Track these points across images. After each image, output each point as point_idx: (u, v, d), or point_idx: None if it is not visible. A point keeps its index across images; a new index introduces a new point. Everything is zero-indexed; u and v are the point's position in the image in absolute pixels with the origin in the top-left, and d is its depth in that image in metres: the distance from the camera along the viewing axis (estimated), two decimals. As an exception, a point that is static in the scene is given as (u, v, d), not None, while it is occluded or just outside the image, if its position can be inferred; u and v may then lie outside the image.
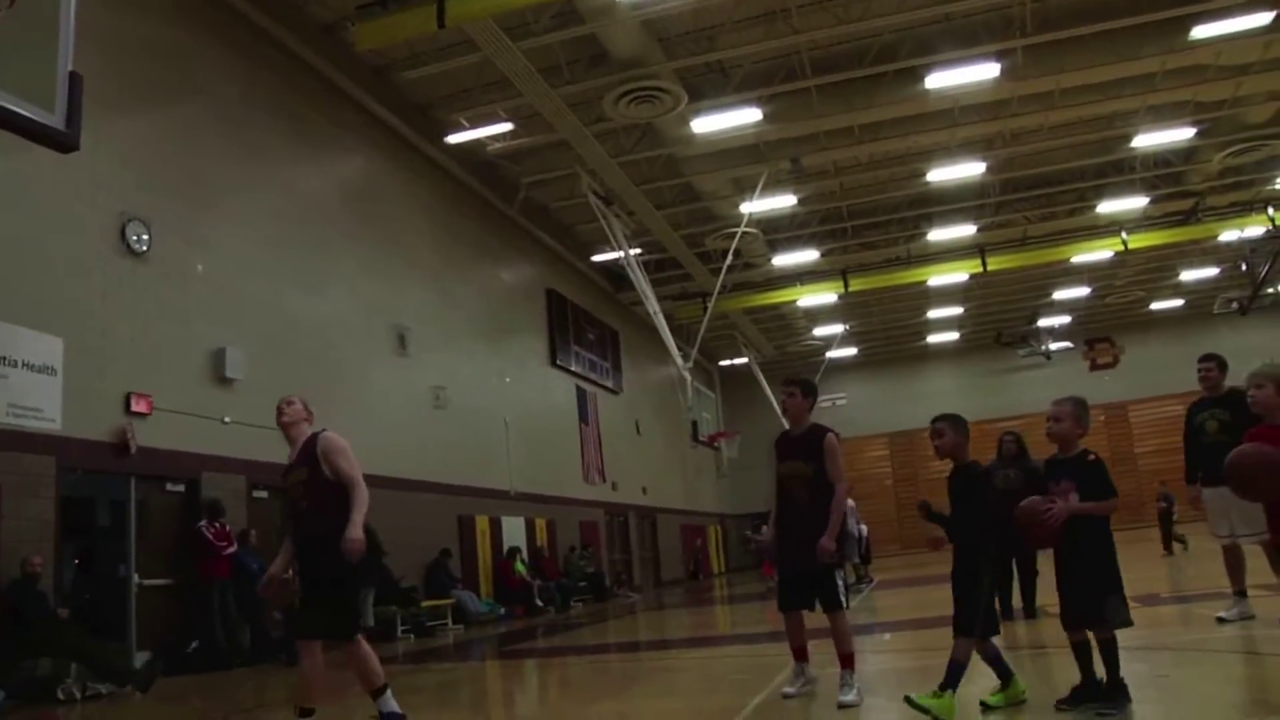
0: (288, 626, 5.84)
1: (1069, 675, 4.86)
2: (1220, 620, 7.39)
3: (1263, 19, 16.12)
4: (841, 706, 5.47)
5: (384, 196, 17.41)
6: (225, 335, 12.83)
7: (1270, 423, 4.72)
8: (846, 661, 5.76)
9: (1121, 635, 4.69)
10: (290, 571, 5.86)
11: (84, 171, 10.74)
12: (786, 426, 6.33)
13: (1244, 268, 28.57)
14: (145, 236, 11.74)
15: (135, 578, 11.25)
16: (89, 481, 11.12)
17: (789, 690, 5.98)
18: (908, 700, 4.80)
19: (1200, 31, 16.37)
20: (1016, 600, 8.99)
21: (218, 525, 11.82)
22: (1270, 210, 25.15)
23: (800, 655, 6.10)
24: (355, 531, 5.47)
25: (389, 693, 5.61)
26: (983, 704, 4.95)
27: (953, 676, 4.80)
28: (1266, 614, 7.35)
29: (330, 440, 5.77)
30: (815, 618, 6.00)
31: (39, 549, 9.75)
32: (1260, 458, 4.32)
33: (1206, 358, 7.75)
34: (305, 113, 15.44)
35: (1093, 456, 4.81)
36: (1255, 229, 26.18)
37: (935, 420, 5.24)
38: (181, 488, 12.12)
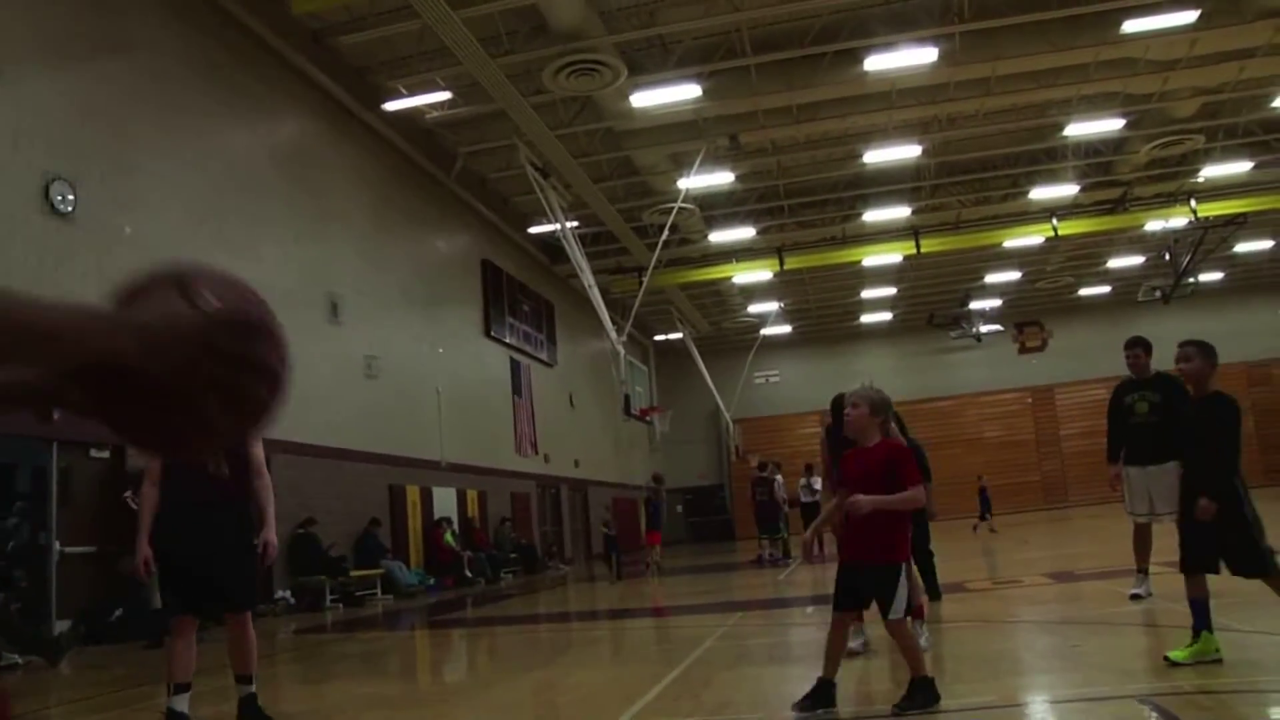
0: (183, 602, 5.02)
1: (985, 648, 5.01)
2: (1133, 597, 7.65)
3: (1189, 17, 16.62)
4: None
5: (319, 162, 17.13)
6: (153, 299, 12.55)
7: (862, 445, 4.73)
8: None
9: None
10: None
11: (4, 127, 10.45)
12: None
13: (1167, 257, 29.36)
14: (70, 197, 11.43)
15: (57, 545, 11.04)
16: (8, 446, 10.86)
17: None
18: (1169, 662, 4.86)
19: (1131, 25, 16.79)
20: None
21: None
22: (1193, 202, 25.90)
23: None
24: (273, 533, 5.12)
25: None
26: (1168, 659, 4.91)
27: (1201, 617, 4.88)
28: (1165, 590, 7.69)
29: None
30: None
31: (-45, 514, 9.54)
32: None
33: (1134, 343, 7.90)
34: (240, 74, 15.11)
35: None
36: (1178, 220, 26.93)
37: (1184, 344, 5.31)
38: (106, 454, 11.91)
